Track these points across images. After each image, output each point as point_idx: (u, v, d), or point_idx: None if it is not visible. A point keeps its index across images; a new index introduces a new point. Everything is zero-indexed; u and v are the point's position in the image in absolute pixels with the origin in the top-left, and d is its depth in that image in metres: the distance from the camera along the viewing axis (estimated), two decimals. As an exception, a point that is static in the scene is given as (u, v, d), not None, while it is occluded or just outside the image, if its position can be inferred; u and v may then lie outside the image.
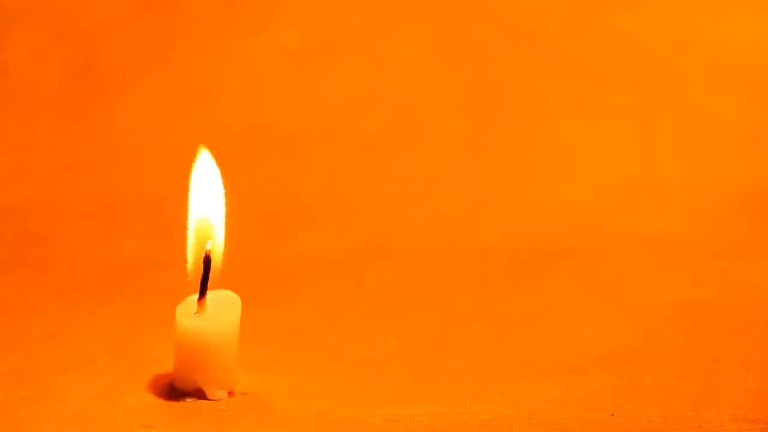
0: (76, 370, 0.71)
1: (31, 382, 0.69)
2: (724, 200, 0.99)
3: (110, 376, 0.70)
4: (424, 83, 1.06)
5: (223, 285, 0.69)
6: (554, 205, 0.99)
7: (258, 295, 0.80)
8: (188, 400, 0.68)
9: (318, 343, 0.77)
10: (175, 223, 0.70)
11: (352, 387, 0.70)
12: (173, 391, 0.68)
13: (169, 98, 1.04)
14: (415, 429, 0.66)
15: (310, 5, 1.08)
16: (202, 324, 0.67)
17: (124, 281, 0.88)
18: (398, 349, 0.77)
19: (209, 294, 0.68)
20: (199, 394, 0.68)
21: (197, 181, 0.70)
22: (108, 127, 1.03)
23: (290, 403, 0.68)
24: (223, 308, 0.68)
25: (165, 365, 0.70)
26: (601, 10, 1.07)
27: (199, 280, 0.68)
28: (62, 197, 0.98)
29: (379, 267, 0.91)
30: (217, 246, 0.69)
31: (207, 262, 0.68)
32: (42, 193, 0.98)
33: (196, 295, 0.68)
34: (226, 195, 0.69)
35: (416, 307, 0.84)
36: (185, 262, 0.69)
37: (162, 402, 0.68)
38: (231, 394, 0.69)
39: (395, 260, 0.93)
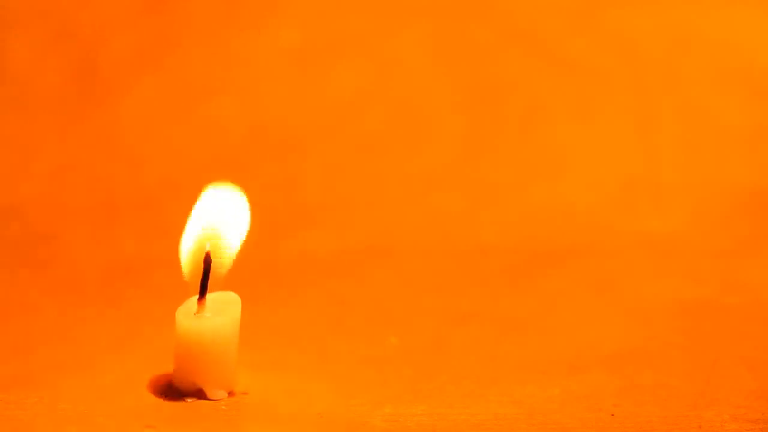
0: (76, 370, 0.71)
1: (31, 382, 0.69)
2: (724, 200, 0.99)
3: (110, 376, 0.70)
4: (424, 83, 1.06)
5: (223, 285, 0.69)
6: (554, 205, 0.99)
7: (258, 295, 0.80)
8: (188, 400, 0.68)
9: (318, 343, 0.77)
10: (176, 223, 0.70)
11: (352, 387, 0.70)
12: (173, 391, 0.68)
13: (170, 98, 1.04)
14: (415, 429, 0.66)
15: (310, 5, 1.08)
16: (202, 324, 0.67)
17: (124, 281, 0.88)
18: (398, 349, 0.77)
19: (209, 295, 0.68)
20: (199, 394, 0.68)
21: (216, 199, 0.70)
22: (108, 127, 1.03)
23: (290, 403, 0.68)
24: (223, 308, 0.68)
25: (165, 365, 0.70)
26: (601, 10, 1.07)
27: (198, 280, 0.68)
28: (62, 197, 0.98)
29: (379, 267, 0.91)
30: (226, 256, 0.69)
31: (207, 262, 0.68)
32: (42, 193, 0.98)
33: (197, 296, 0.68)
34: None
35: (416, 307, 0.84)
36: (179, 264, 0.69)
37: (162, 402, 0.68)
38: (231, 394, 0.69)
39: (395, 260, 0.93)
